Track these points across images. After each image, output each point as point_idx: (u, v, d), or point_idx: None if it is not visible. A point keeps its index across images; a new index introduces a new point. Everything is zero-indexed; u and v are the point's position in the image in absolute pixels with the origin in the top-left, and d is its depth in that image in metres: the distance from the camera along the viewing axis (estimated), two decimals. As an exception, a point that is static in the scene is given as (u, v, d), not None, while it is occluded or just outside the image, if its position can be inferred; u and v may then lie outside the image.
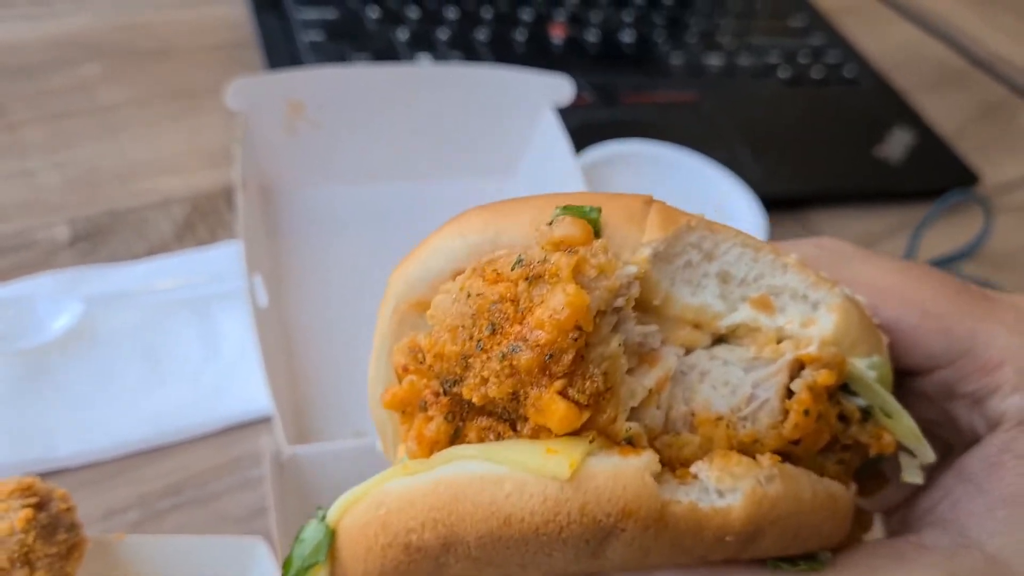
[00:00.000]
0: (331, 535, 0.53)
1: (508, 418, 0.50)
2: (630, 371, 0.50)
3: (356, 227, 1.17)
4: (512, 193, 1.20)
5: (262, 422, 0.95)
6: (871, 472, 0.59)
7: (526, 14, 1.61)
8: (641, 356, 0.51)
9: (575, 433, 0.48)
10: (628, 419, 0.49)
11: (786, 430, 0.50)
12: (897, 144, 1.55)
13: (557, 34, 1.59)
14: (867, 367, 0.53)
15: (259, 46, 1.41)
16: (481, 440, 0.50)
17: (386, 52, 1.43)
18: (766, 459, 0.49)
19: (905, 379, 0.59)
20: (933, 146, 1.57)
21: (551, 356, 0.46)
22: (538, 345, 0.46)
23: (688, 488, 0.48)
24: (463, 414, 0.51)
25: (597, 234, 0.50)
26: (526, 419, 0.48)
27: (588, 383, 0.47)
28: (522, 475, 0.46)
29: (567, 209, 0.50)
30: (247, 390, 0.96)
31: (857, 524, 0.57)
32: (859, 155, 1.51)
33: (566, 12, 1.65)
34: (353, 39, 1.44)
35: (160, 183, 1.21)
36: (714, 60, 1.63)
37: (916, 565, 0.51)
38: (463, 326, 0.48)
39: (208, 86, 1.33)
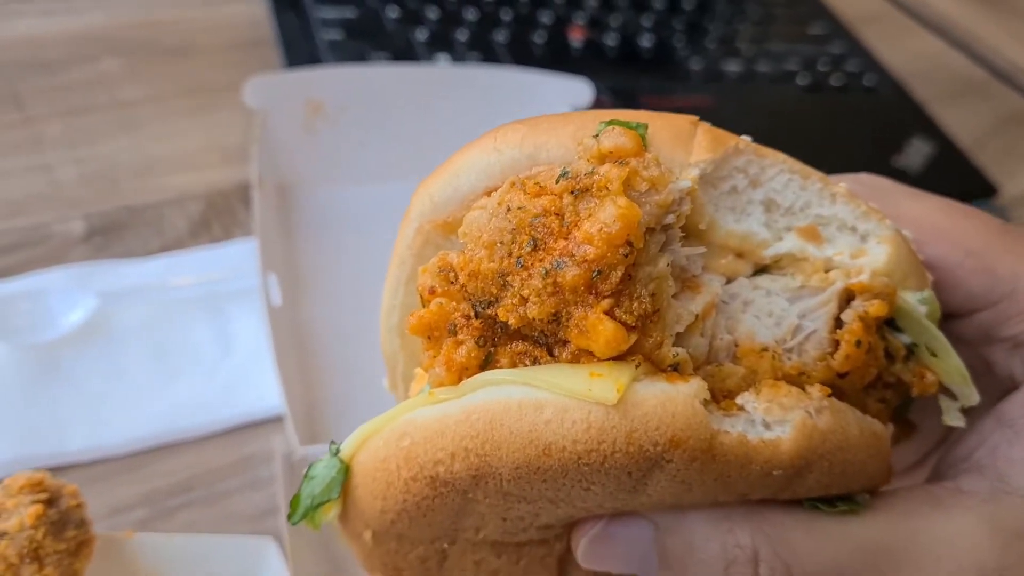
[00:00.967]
0: (345, 471, 0.50)
1: (545, 342, 0.46)
2: (675, 296, 0.47)
3: (372, 227, 1.16)
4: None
5: (274, 422, 0.94)
6: (900, 418, 0.57)
7: (545, 16, 1.60)
8: (684, 282, 0.48)
9: (619, 358, 0.44)
10: (673, 345, 0.46)
11: (836, 362, 0.48)
12: (916, 154, 1.54)
13: (576, 37, 1.58)
14: (917, 302, 0.51)
15: (278, 44, 1.41)
16: (515, 366, 0.47)
17: (405, 52, 1.43)
18: (816, 390, 0.47)
19: (942, 323, 0.57)
20: (952, 157, 1.55)
21: (599, 273, 0.43)
22: (586, 260, 0.43)
23: (734, 419, 0.45)
24: (496, 338, 0.47)
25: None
26: (565, 343, 0.45)
27: (636, 304, 0.44)
28: (564, 400, 0.43)
29: (614, 122, 0.47)
30: (259, 389, 0.96)
31: None
32: (877, 164, 1.49)
33: (585, 15, 1.64)
34: (372, 38, 1.43)
35: (176, 180, 1.20)
36: (733, 66, 1.62)
37: (955, 510, 0.50)
38: (501, 242, 0.45)
39: (226, 84, 1.33)
